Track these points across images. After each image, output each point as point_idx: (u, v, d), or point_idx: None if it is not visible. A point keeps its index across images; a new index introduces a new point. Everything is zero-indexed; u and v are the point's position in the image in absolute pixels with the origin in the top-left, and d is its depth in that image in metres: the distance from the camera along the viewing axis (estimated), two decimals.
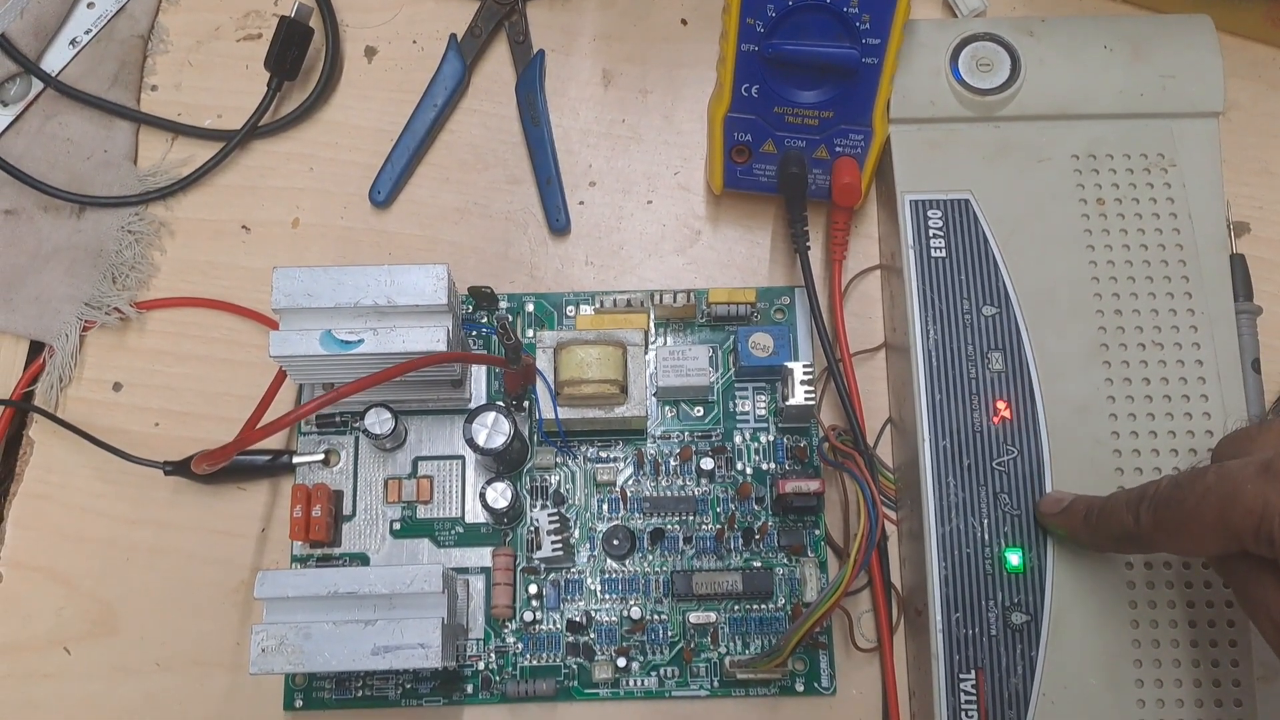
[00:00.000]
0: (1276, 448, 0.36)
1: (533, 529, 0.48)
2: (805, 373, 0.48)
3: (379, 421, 0.48)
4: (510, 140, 0.55)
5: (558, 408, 0.48)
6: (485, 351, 0.51)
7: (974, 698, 0.44)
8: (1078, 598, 0.44)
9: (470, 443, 0.46)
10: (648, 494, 0.50)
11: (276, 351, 0.45)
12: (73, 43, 0.55)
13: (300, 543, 0.49)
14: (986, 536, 0.45)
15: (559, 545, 0.47)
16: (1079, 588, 0.45)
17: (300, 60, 0.54)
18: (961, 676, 0.44)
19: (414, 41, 0.56)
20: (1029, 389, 0.47)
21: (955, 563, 0.45)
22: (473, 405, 0.51)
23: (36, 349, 0.53)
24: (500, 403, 0.48)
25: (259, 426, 0.40)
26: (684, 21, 0.56)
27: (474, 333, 0.51)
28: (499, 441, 0.46)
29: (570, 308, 0.52)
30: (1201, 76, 0.50)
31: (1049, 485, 0.46)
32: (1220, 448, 0.40)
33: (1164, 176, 0.49)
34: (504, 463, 0.49)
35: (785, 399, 0.48)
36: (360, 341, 0.45)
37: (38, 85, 0.55)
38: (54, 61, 0.55)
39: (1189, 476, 0.37)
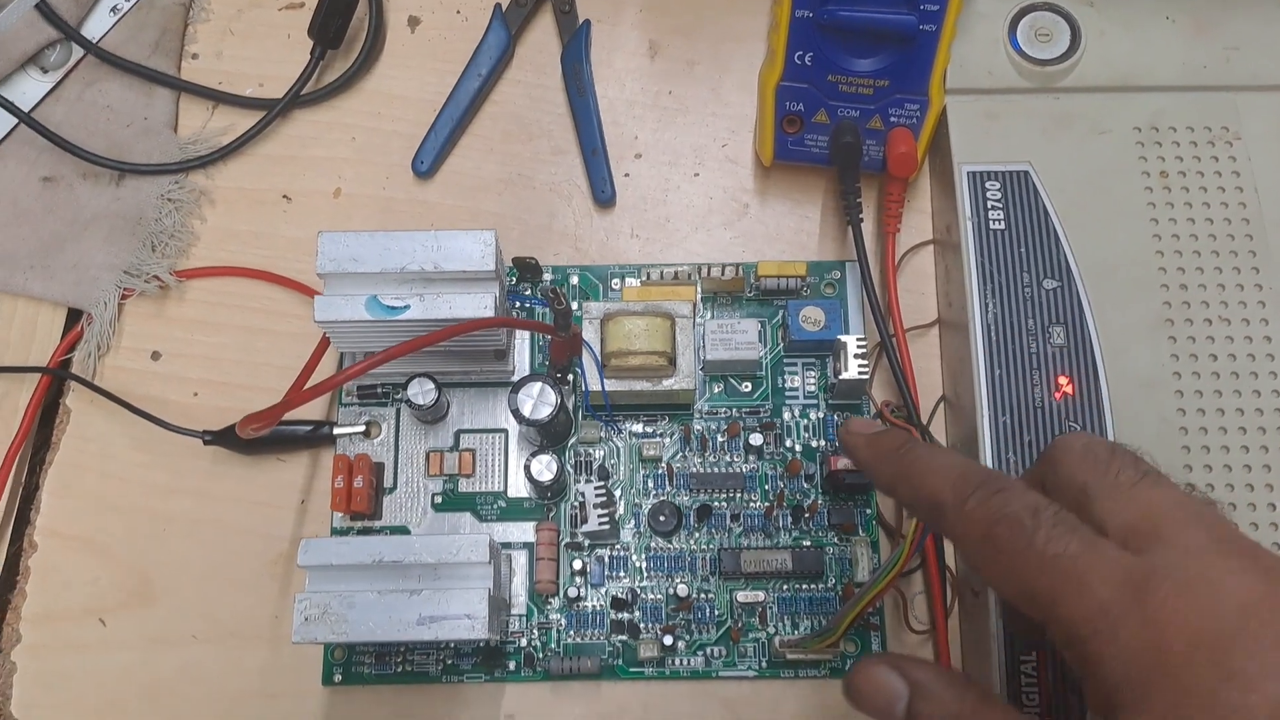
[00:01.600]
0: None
1: (578, 503, 0.47)
2: (859, 346, 0.47)
3: (422, 392, 0.47)
4: (555, 111, 0.54)
5: (604, 379, 0.47)
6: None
7: (1035, 680, 0.43)
8: None
9: (516, 413, 0.45)
10: (694, 470, 0.49)
11: (321, 316, 0.44)
12: (113, 10, 0.55)
13: (340, 514, 0.48)
14: None
15: (605, 519, 0.46)
16: None
17: (344, 29, 0.53)
18: (1022, 659, 0.43)
19: (458, 11, 0.55)
20: (1092, 364, 0.45)
21: None
22: (516, 378, 0.49)
23: (74, 317, 0.52)
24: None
25: (307, 387, 0.39)
26: None
27: (518, 304, 0.50)
28: (545, 412, 0.45)
29: (616, 280, 0.51)
30: (1267, 49, 0.49)
31: None
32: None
33: (1229, 150, 0.48)
34: (548, 436, 0.48)
35: (837, 374, 0.47)
36: (406, 307, 0.44)
37: (78, 52, 0.54)
38: (94, 28, 0.55)
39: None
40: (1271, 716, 0.26)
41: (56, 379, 0.51)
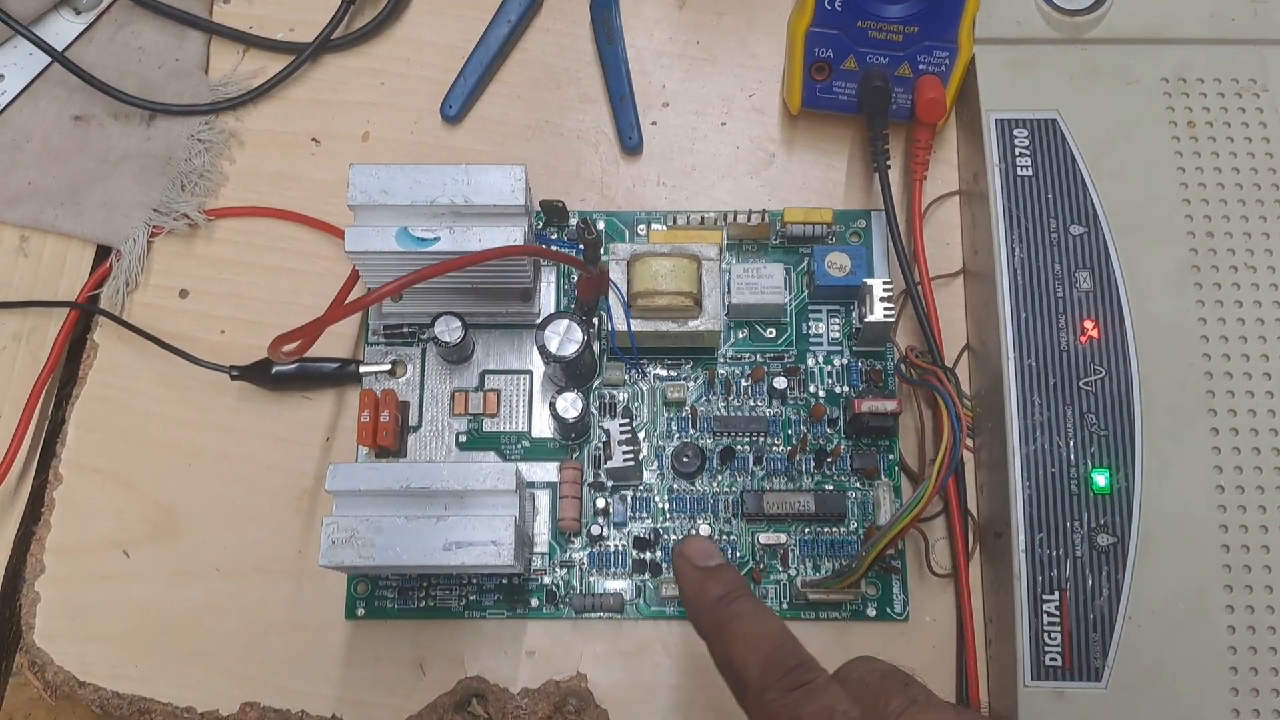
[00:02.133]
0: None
1: (602, 441, 0.47)
2: (885, 289, 0.47)
3: (448, 330, 0.47)
4: (583, 59, 0.54)
5: (630, 319, 0.47)
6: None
7: (1057, 619, 0.43)
8: (1167, 519, 0.43)
9: (543, 350, 0.45)
10: (718, 413, 0.49)
11: (352, 247, 0.44)
12: None
13: (366, 450, 0.48)
14: (1072, 457, 0.44)
15: (630, 455, 0.46)
16: (1169, 509, 0.43)
17: None
18: (1045, 598, 0.43)
19: None
20: (1118, 308, 0.45)
21: (1039, 483, 0.44)
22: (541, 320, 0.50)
23: (103, 255, 0.52)
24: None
25: (347, 302, 0.39)
26: None
27: (545, 246, 0.51)
28: (571, 349, 0.45)
29: (642, 226, 0.51)
30: None
31: (1138, 406, 0.44)
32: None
33: (1255, 102, 0.48)
34: (573, 376, 0.48)
35: (862, 318, 0.47)
36: (436, 239, 0.44)
37: None
38: None
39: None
40: None
41: (84, 314, 0.51)
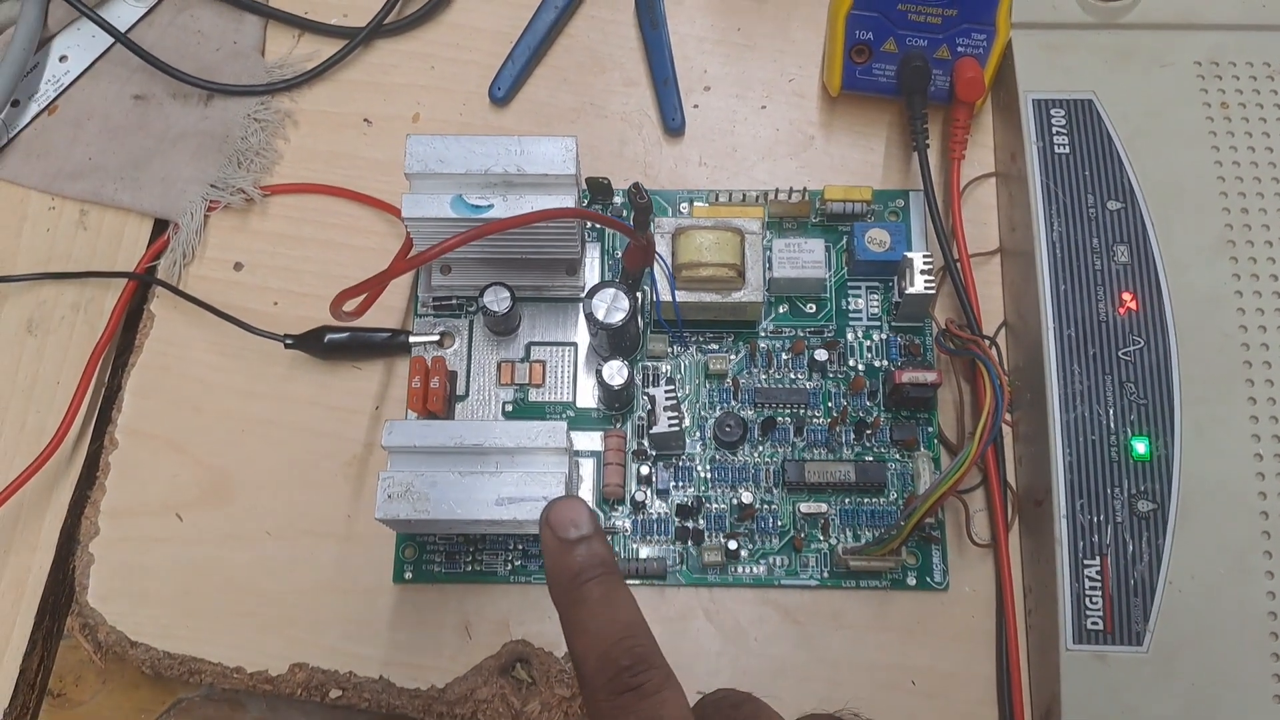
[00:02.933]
0: None
1: (646, 408, 0.48)
2: (925, 262, 0.48)
3: (497, 300, 0.48)
4: (627, 46, 0.56)
5: (675, 291, 0.48)
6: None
7: (1099, 584, 0.43)
8: (1207, 486, 0.44)
9: (590, 317, 0.47)
10: (759, 385, 0.50)
11: (409, 214, 0.46)
12: None
13: (416, 415, 0.49)
14: (1112, 425, 0.45)
15: (675, 420, 0.47)
16: (1208, 476, 0.44)
17: None
18: (1086, 563, 0.44)
19: None
20: (1155, 281, 0.46)
21: (1080, 450, 0.45)
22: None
23: (159, 229, 0.54)
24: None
25: (411, 256, 0.40)
26: None
27: (589, 225, 0.52)
28: (618, 317, 0.47)
29: (685, 204, 0.53)
30: None
31: (1176, 375, 0.45)
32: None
33: None
34: (618, 347, 0.49)
35: (902, 291, 0.48)
36: (490, 206, 0.46)
37: None
38: None
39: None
40: None
41: (142, 285, 0.52)
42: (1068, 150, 0.48)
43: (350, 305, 0.42)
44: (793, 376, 0.50)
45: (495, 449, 0.43)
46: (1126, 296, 0.46)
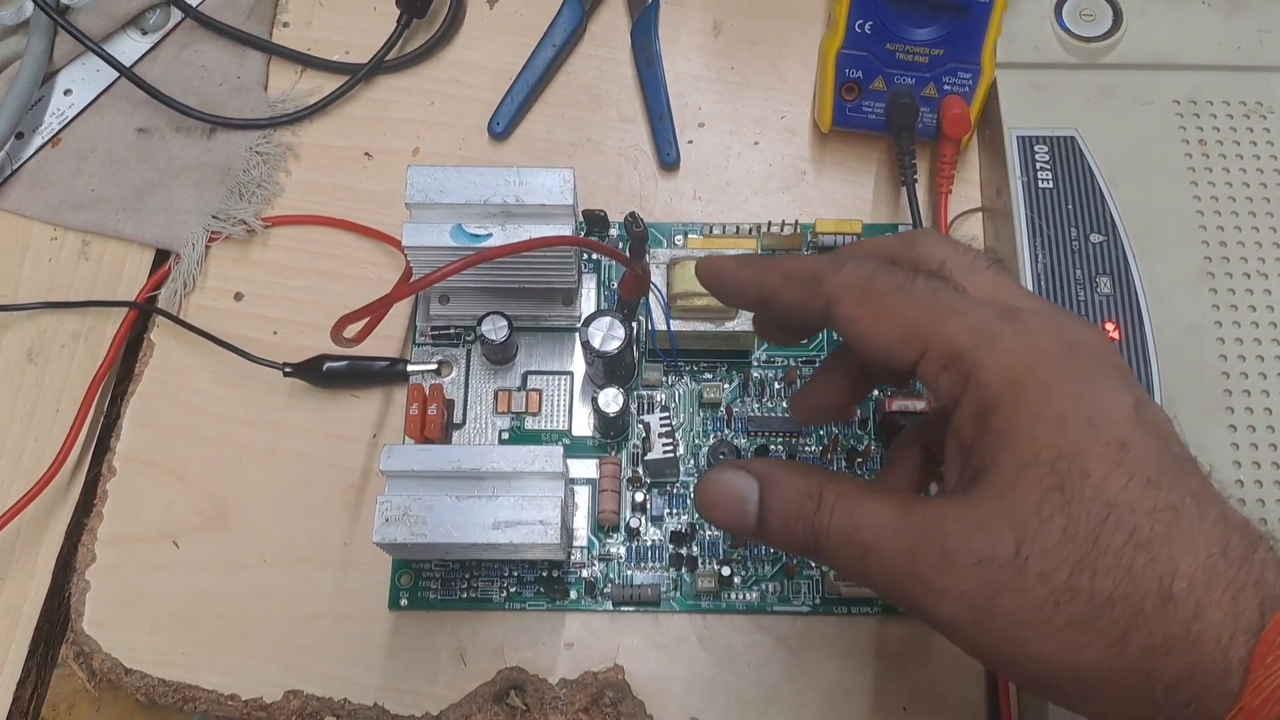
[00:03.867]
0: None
1: (641, 435, 0.49)
2: None
3: (495, 328, 0.49)
4: (623, 83, 0.57)
5: (670, 320, 0.49)
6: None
7: None
8: None
9: (586, 346, 0.47)
10: (753, 414, 0.51)
11: (409, 242, 0.47)
12: None
13: (414, 442, 0.50)
14: None
15: (670, 447, 0.48)
16: None
17: (430, 0, 0.57)
18: None
19: None
20: (1137, 311, 0.48)
21: None
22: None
23: (161, 259, 0.54)
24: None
25: (406, 284, 0.41)
26: None
27: (586, 256, 0.53)
28: (614, 345, 0.47)
29: (679, 237, 0.54)
30: None
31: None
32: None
33: (1263, 123, 0.51)
34: (613, 375, 0.50)
35: None
36: (489, 235, 0.47)
37: (176, 15, 0.58)
38: None
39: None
40: (1129, 415, 0.30)
41: (142, 315, 0.53)
42: (1051, 185, 0.50)
43: (351, 331, 0.43)
44: (785, 405, 0.51)
45: (492, 473, 0.44)
46: (1109, 327, 0.47)
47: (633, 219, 0.45)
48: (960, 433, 0.32)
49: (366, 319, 0.42)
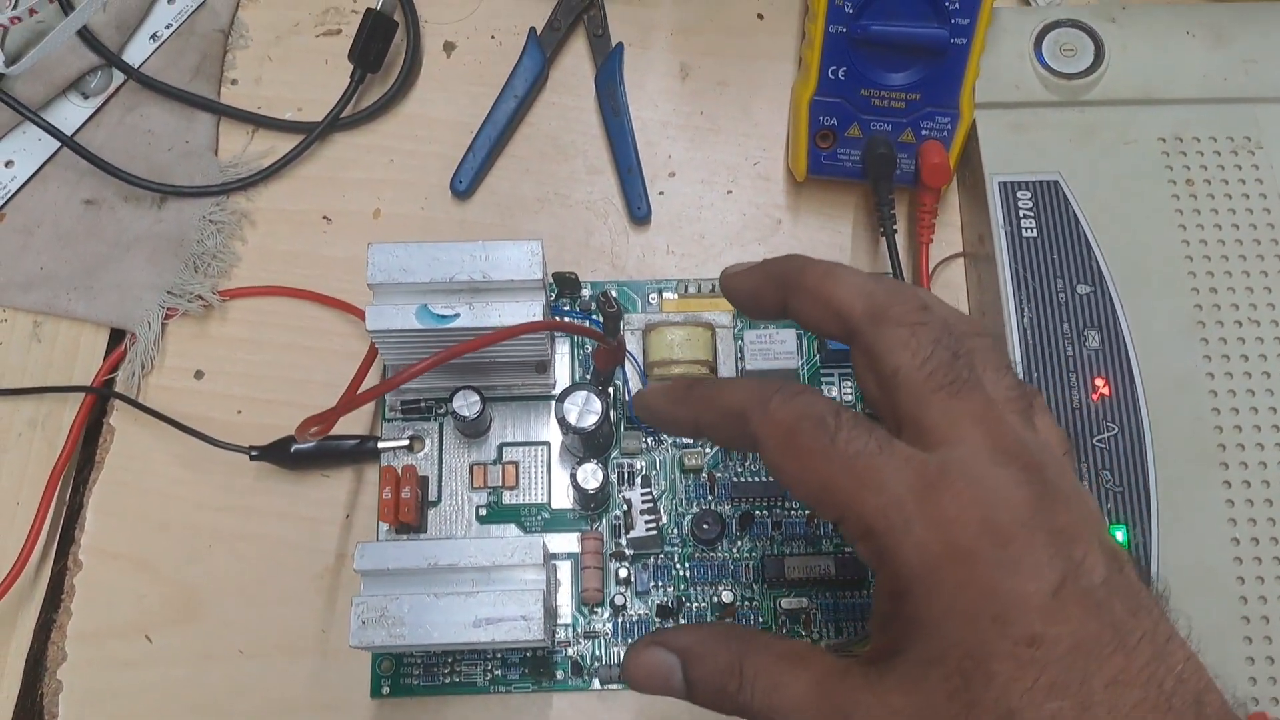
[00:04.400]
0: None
1: (623, 510, 0.48)
2: None
3: (467, 404, 0.47)
4: (589, 133, 0.55)
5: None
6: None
7: None
8: (1185, 572, 0.44)
9: (562, 422, 0.46)
10: (735, 479, 0.49)
11: (373, 325, 0.45)
12: (153, 37, 0.56)
13: (387, 527, 0.48)
14: None
15: (652, 525, 0.46)
16: (1186, 562, 0.44)
17: (384, 53, 0.54)
18: None
19: (492, 36, 0.57)
20: (1127, 365, 0.46)
21: None
22: (557, 391, 0.50)
23: (117, 338, 0.52)
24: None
25: (369, 388, 0.39)
26: (760, 16, 0.57)
27: (558, 319, 0.51)
28: (591, 421, 0.46)
29: (654, 295, 0.52)
30: None
31: (1151, 461, 0.45)
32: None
33: (1251, 159, 0.50)
34: (591, 447, 0.49)
35: None
36: (456, 315, 0.45)
37: (119, 77, 0.55)
38: (135, 54, 0.56)
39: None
40: (1044, 603, 0.29)
41: (100, 398, 0.51)
42: (1035, 234, 0.48)
43: (316, 429, 0.41)
44: (761, 471, 0.50)
45: (470, 567, 0.43)
46: (1099, 382, 0.46)
47: (605, 299, 0.44)
48: (879, 602, 0.33)
49: (327, 423, 0.40)
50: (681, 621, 0.48)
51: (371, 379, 0.50)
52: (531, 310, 0.45)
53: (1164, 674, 0.29)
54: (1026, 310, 0.47)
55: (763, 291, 0.38)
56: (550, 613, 0.45)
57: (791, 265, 0.37)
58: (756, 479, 0.49)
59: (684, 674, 0.36)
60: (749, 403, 0.34)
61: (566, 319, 0.51)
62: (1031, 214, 0.49)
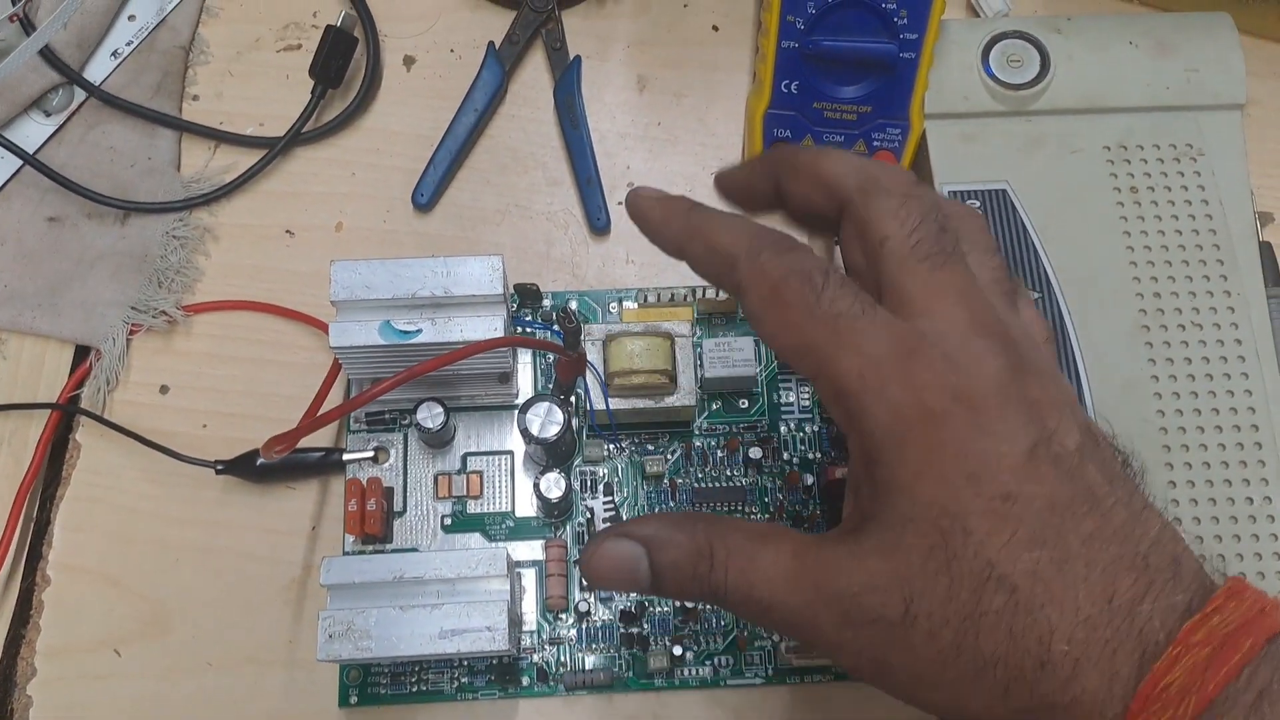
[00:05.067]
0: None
1: (585, 519, 0.49)
2: None
3: (430, 416, 0.48)
4: (548, 145, 0.56)
5: (609, 398, 0.48)
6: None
7: None
8: None
9: (524, 433, 0.47)
10: (696, 484, 0.50)
11: (336, 342, 0.45)
12: (114, 54, 0.56)
13: (353, 538, 0.49)
14: None
15: None
16: None
17: (344, 69, 0.55)
18: None
19: (451, 50, 0.57)
20: (1074, 369, 0.47)
21: None
22: (519, 401, 0.51)
23: (81, 354, 0.53)
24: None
25: (333, 408, 0.40)
26: (715, 28, 0.58)
27: (520, 329, 0.52)
28: (553, 431, 0.47)
29: (614, 304, 0.53)
30: (1224, 69, 0.52)
31: None
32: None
33: (1193, 166, 0.51)
34: (554, 455, 0.49)
35: None
36: (419, 331, 0.46)
37: (80, 95, 0.55)
38: (96, 72, 0.56)
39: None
40: (1017, 464, 0.30)
41: (66, 415, 0.52)
42: None
43: (281, 447, 0.42)
44: (729, 473, 0.51)
45: (435, 579, 0.43)
46: None
47: (564, 315, 0.45)
48: (853, 472, 0.33)
49: (292, 441, 0.41)
50: (645, 626, 0.49)
51: (336, 392, 0.51)
52: (493, 325, 0.46)
53: (1140, 535, 0.30)
54: None
55: (755, 181, 0.39)
56: (515, 621, 0.46)
57: (784, 150, 0.38)
58: (717, 484, 0.50)
59: (650, 562, 0.35)
60: (740, 249, 0.34)
61: (528, 333, 0.51)
62: None
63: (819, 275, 0.32)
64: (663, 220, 0.37)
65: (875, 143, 0.51)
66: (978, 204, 0.50)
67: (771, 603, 0.33)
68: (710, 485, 0.50)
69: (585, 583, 0.35)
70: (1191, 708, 0.27)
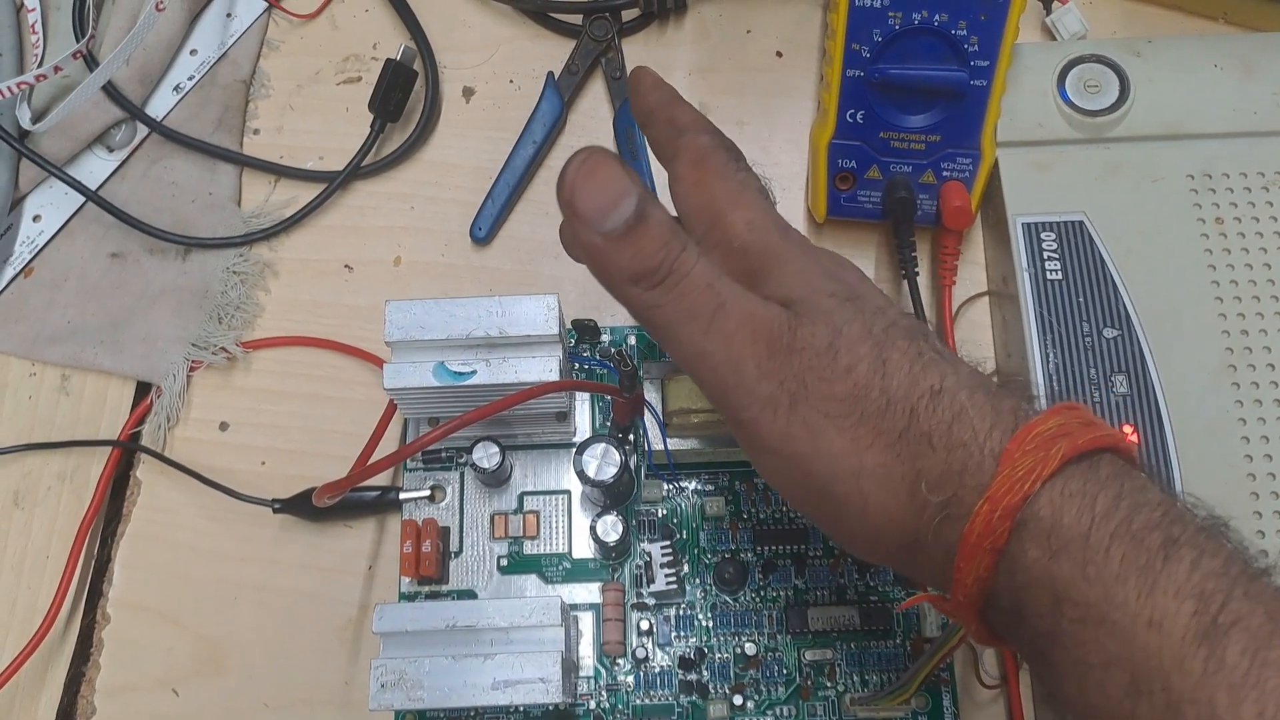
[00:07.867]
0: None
1: (643, 561, 0.47)
2: None
3: (486, 455, 0.47)
4: None
5: (667, 439, 0.47)
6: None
7: None
8: None
9: (581, 475, 0.46)
10: (757, 526, 0.49)
11: (390, 384, 0.45)
12: (176, 89, 0.56)
13: (409, 579, 0.48)
14: None
15: (672, 579, 0.46)
16: None
17: (404, 102, 0.55)
18: None
19: (510, 81, 0.57)
20: (1156, 412, 0.45)
21: None
22: (577, 439, 0.50)
23: (143, 390, 0.53)
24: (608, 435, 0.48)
25: (385, 456, 0.39)
26: (779, 54, 0.56)
27: (578, 366, 0.51)
28: (610, 473, 0.46)
29: None
30: None
31: None
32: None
33: None
34: (612, 496, 0.48)
35: None
36: (473, 372, 0.45)
37: (143, 131, 0.56)
38: (158, 107, 0.56)
39: None
40: (860, 278, 0.38)
41: (127, 451, 0.52)
42: (1060, 276, 0.47)
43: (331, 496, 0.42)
44: (791, 514, 0.49)
45: (489, 628, 0.43)
46: (1127, 429, 0.45)
47: (620, 358, 0.43)
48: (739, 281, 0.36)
49: (345, 489, 0.40)
50: (705, 673, 0.47)
51: (393, 429, 0.50)
52: (549, 365, 0.45)
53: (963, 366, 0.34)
54: (1052, 355, 0.46)
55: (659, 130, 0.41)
56: (570, 668, 0.45)
57: (666, 129, 0.41)
58: (779, 526, 0.49)
59: (639, 207, 0.33)
60: (691, 126, 0.40)
61: (583, 378, 0.51)
62: (1056, 255, 0.48)
63: (736, 159, 0.39)
64: (652, 89, 0.42)
65: (945, 173, 0.49)
66: (1053, 236, 0.48)
67: (727, 302, 0.34)
68: (771, 526, 0.49)
69: (558, 195, 0.34)
70: (1062, 452, 0.30)
